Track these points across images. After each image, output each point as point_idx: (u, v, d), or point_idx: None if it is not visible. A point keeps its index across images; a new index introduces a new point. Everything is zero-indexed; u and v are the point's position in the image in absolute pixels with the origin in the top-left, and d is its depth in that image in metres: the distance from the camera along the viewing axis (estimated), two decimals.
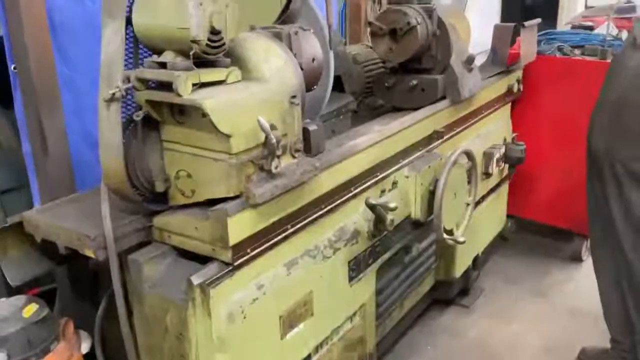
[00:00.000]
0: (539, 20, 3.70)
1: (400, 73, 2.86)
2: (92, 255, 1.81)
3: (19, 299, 1.92)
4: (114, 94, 1.68)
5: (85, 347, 1.96)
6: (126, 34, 1.76)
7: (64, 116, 2.45)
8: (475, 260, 3.53)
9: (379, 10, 3.94)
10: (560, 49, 3.81)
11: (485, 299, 3.65)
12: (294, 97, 1.88)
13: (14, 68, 2.36)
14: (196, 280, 1.70)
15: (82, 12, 2.48)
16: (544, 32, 3.98)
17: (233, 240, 1.75)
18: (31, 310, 1.86)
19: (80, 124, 2.56)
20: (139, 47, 1.84)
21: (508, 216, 3.99)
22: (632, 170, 2.56)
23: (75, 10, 2.47)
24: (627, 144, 2.56)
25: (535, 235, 4.27)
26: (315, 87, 2.15)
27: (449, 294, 3.43)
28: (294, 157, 1.91)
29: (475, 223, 3.06)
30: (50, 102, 2.39)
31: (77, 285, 2.19)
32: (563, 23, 5.80)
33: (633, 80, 2.55)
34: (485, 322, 3.44)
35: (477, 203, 3.16)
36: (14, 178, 2.83)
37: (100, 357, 2.06)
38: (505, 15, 4.66)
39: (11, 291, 2.04)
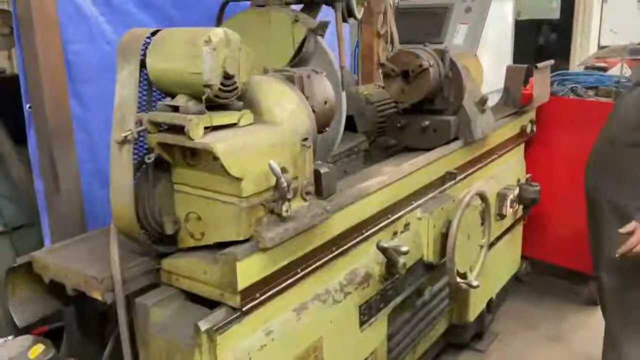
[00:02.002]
0: (551, 61, 3.70)
1: (413, 114, 2.84)
2: (100, 298, 1.80)
3: (26, 339, 1.91)
4: (126, 136, 1.69)
5: None
6: (140, 76, 1.78)
7: (76, 154, 2.47)
8: (489, 303, 3.46)
9: (392, 50, 3.96)
10: (573, 90, 3.80)
11: (500, 343, 3.56)
12: (305, 139, 1.87)
13: (29, 107, 2.38)
14: (203, 325, 1.67)
15: (98, 53, 2.51)
16: (557, 72, 3.97)
17: (242, 284, 1.73)
18: (37, 351, 1.85)
19: (93, 162, 2.56)
20: (152, 90, 1.85)
21: (523, 257, 3.92)
22: (618, 208, 2.57)
23: (91, 51, 2.50)
24: (612, 180, 2.62)
25: (550, 277, 4.18)
26: (327, 129, 2.15)
27: (463, 337, 3.35)
28: (305, 199, 1.90)
29: (489, 265, 3.00)
30: (64, 140, 2.41)
31: (85, 325, 2.16)
32: (576, 63, 5.80)
33: (621, 120, 2.62)
34: None
35: (491, 245, 3.10)
36: (25, 215, 2.84)
37: None
38: (518, 55, 4.67)
39: (18, 329, 2.02)
